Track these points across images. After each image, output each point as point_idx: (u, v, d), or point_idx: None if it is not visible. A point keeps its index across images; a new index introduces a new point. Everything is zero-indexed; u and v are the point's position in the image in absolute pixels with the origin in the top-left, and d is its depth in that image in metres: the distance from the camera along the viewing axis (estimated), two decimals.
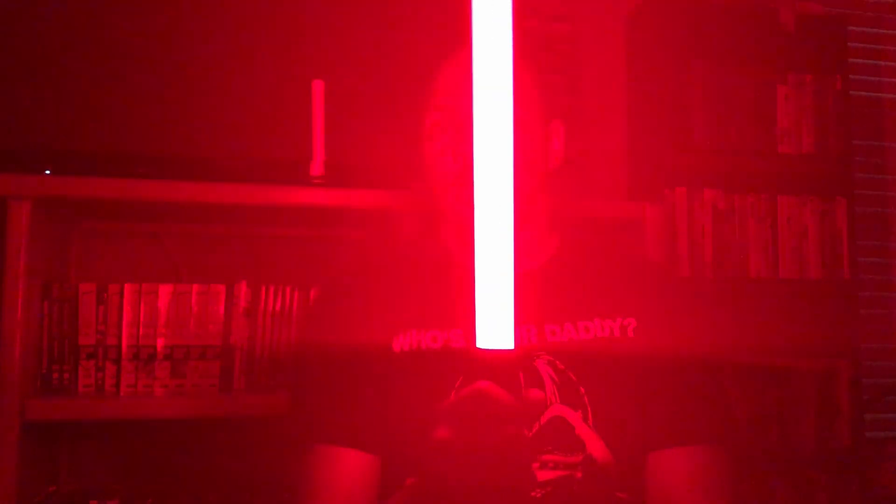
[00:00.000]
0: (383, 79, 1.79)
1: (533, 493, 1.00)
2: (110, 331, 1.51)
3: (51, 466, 1.65)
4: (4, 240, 1.43)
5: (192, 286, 1.55)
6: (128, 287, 1.52)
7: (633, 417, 1.04)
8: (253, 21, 1.76)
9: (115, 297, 1.52)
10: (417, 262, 1.18)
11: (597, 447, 1.03)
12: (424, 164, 1.15)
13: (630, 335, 1.07)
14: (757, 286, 1.95)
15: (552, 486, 1.01)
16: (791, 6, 2.05)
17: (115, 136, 1.68)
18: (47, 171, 1.54)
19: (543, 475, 1.01)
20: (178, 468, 1.70)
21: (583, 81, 1.97)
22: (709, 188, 1.94)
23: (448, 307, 1.08)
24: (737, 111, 1.98)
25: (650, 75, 1.98)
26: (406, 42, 1.80)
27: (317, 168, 1.61)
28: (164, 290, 1.53)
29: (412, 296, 1.10)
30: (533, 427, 1.03)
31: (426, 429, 0.72)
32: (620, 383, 1.05)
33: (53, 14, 1.68)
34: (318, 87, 1.66)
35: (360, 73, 1.78)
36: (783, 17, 2.03)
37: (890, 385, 2.19)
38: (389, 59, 1.80)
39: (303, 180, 1.62)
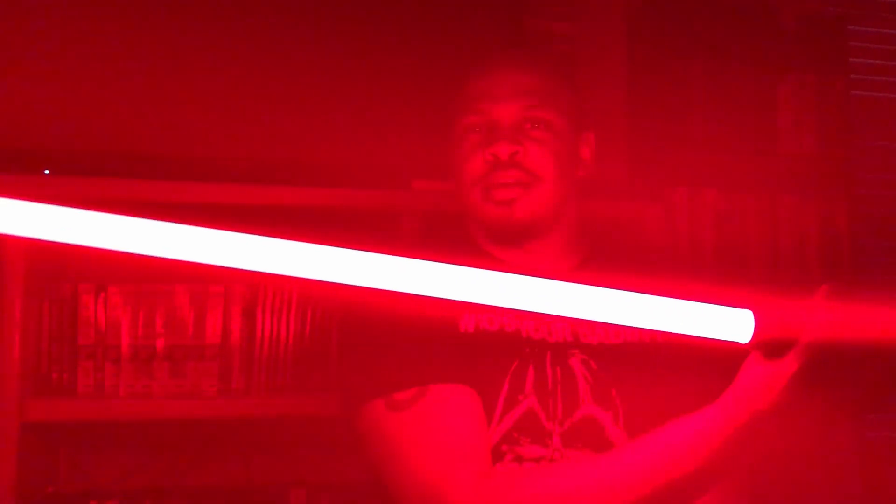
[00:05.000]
0: (386, 79, 1.79)
1: None
2: (110, 331, 1.51)
3: (51, 466, 1.65)
4: (4, 240, 1.43)
5: (191, 286, 1.55)
6: (127, 287, 1.52)
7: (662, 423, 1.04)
8: (253, 20, 1.76)
9: (114, 297, 1.52)
10: (445, 254, 1.16)
11: None
12: (454, 164, 1.15)
13: (659, 341, 1.06)
14: (757, 286, 1.95)
15: None
16: (791, 6, 2.04)
17: (115, 136, 1.68)
18: (47, 171, 1.54)
19: None
20: (178, 468, 1.70)
21: (583, 81, 1.96)
22: (709, 188, 1.94)
23: None
24: (737, 111, 1.97)
25: (650, 75, 1.98)
26: (414, 43, 1.80)
27: None
28: (163, 291, 1.53)
29: None
30: (565, 424, 1.03)
31: None
32: (651, 388, 1.05)
33: (54, 13, 1.68)
34: None
35: (364, 72, 1.78)
36: (783, 16, 2.03)
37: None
38: (393, 58, 1.80)
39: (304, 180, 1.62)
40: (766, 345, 0.72)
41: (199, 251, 0.66)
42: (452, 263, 1.11)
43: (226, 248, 0.65)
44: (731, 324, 0.69)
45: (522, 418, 1.02)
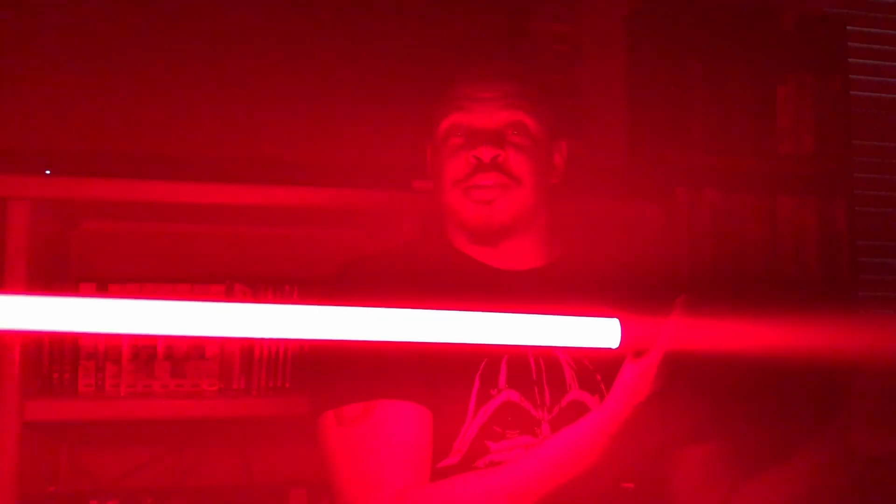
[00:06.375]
0: (387, 79, 1.79)
1: None
2: None
3: (52, 466, 1.65)
4: (4, 240, 1.43)
5: (192, 286, 1.55)
6: (128, 287, 1.52)
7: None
8: (253, 20, 1.76)
9: (115, 296, 1.52)
10: (425, 258, 1.19)
11: None
12: (435, 164, 1.18)
13: None
14: (757, 286, 1.95)
15: None
16: (791, 6, 2.04)
17: (115, 136, 1.68)
18: (47, 171, 1.54)
19: None
20: (178, 468, 1.70)
21: (583, 81, 1.97)
22: (709, 188, 1.94)
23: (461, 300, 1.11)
24: (737, 111, 1.98)
25: (650, 75, 1.98)
26: (411, 42, 1.80)
27: None
28: (165, 290, 1.53)
29: (427, 287, 1.11)
30: (553, 410, 1.06)
31: None
32: None
33: (53, 14, 1.68)
34: None
35: (364, 73, 1.78)
36: (783, 17, 2.03)
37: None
38: (393, 59, 1.80)
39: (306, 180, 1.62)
40: (632, 349, 0.85)
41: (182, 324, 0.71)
42: (427, 267, 1.13)
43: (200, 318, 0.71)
44: (604, 333, 0.82)
45: (500, 412, 1.05)
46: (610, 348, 0.85)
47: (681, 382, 0.85)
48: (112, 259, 1.73)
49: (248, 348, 1.56)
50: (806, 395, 1.89)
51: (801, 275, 1.96)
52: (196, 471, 1.70)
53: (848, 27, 2.10)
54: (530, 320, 0.78)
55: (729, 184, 1.96)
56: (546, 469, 0.92)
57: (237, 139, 1.72)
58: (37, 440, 1.52)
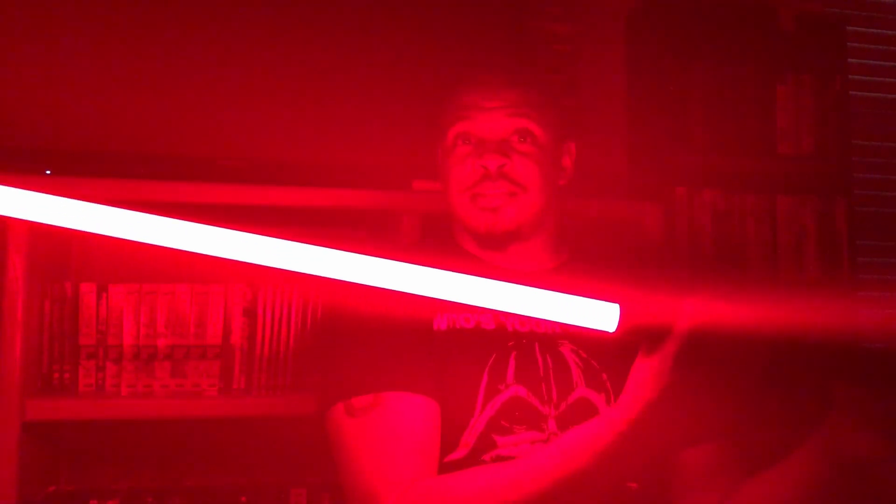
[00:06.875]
0: (387, 79, 1.79)
1: None
2: (111, 331, 1.51)
3: (51, 466, 1.65)
4: (5, 240, 1.43)
5: (192, 286, 1.55)
6: (128, 287, 1.52)
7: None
8: (253, 21, 1.76)
9: (115, 297, 1.52)
10: (433, 257, 1.19)
11: None
12: (444, 170, 1.20)
13: None
14: (756, 286, 1.95)
15: None
16: (791, 6, 2.05)
17: (115, 136, 1.68)
18: (47, 172, 1.54)
19: None
20: (178, 468, 1.70)
21: (583, 81, 1.97)
22: (709, 188, 1.94)
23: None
24: (737, 111, 1.98)
25: (650, 75, 1.98)
26: (412, 43, 1.81)
27: None
28: (164, 290, 1.53)
29: None
30: (560, 406, 1.08)
31: None
32: None
33: (54, 14, 1.68)
34: None
35: (364, 73, 1.79)
36: (783, 17, 2.03)
37: None
38: (393, 59, 1.80)
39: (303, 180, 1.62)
40: (632, 333, 0.80)
41: (191, 242, 0.73)
42: (434, 264, 1.14)
43: (217, 242, 0.73)
44: (600, 314, 0.78)
45: (507, 407, 1.06)
46: (615, 344, 0.84)
47: (692, 381, 0.83)
48: (112, 259, 1.72)
49: (249, 348, 1.56)
50: (806, 395, 1.90)
51: (800, 275, 1.96)
52: (196, 471, 1.70)
53: (848, 27, 2.10)
54: (534, 293, 0.77)
55: (729, 184, 1.96)
56: (555, 465, 0.92)
57: (237, 139, 1.73)
58: (37, 439, 1.52)
